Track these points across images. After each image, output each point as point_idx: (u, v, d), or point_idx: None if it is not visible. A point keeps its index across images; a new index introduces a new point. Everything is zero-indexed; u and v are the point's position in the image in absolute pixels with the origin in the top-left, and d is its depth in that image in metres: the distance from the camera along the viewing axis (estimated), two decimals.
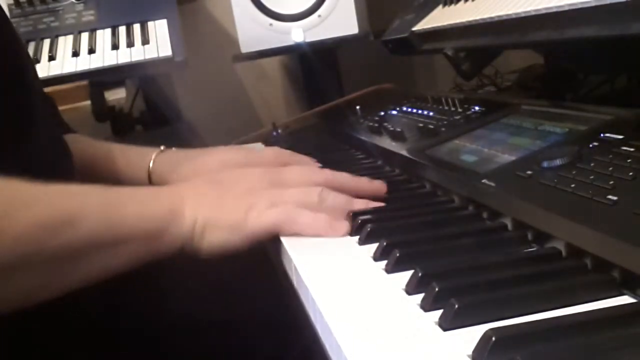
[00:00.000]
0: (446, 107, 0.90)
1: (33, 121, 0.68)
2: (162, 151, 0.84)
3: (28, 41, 1.35)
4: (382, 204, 0.65)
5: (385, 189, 0.68)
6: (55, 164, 0.72)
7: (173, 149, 0.86)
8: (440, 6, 0.97)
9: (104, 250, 0.56)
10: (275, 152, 0.81)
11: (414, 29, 1.01)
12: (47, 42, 1.36)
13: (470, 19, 0.82)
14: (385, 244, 0.51)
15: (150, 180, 0.82)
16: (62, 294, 0.55)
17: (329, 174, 0.68)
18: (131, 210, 0.59)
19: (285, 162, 0.78)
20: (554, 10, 0.64)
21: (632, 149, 0.51)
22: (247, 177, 0.67)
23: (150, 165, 0.82)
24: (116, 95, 1.60)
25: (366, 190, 0.67)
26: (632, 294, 0.40)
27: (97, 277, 0.57)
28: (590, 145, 0.55)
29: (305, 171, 0.69)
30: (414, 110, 0.97)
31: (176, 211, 0.60)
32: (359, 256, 0.53)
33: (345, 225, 0.60)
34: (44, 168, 0.67)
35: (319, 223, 0.60)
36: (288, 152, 0.81)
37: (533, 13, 0.67)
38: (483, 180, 0.59)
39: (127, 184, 0.81)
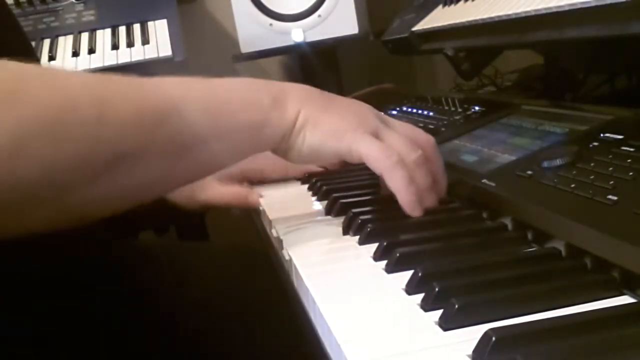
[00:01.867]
0: (446, 107, 0.90)
1: None
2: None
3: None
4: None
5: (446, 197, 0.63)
6: None
7: None
8: (440, 6, 0.97)
9: (208, 142, 0.55)
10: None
11: (414, 29, 1.01)
12: (47, 42, 1.36)
13: (470, 19, 0.82)
14: (385, 244, 0.51)
15: None
16: (178, 188, 0.54)
17: (432, 141, 0.63)
18: (235, 101, 0.57)
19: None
20: (554, 10, 0.64)
21: (632, 149, 0.51)
22: (357, 103, 0.63)
23: None
24: None
25: (443, 183, 0.63)
26: (632, 294, 0.40)
27: (206, 170, 0.57)
28: (590, 145, 0.55)
29: (412, 126, 0.65)
30: (414, 110, 0.97)
31: (279, 102, 0.58)
32: (359, 256, 0.53)
33: (421, 211, 0.58)
34: None
35: (409, 191, 0.57)
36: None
37: (533, 13, 0.67)
38: (483, 180, 0.59)
39: None
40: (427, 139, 0.63)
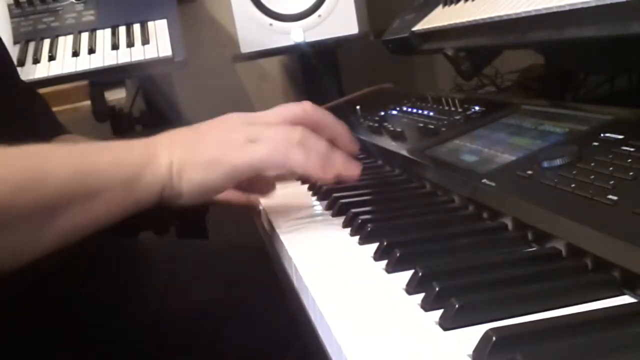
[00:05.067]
0: (446, 107, 0.90)
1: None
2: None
3: (28, 41, 1.35)
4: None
5: (359, 169, 0.63)
6: None
7: None
8: (440, 6, 0.97)
9: (79, 202, 0.55)
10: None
11: (414, 29, 1.01)
12: (47, 42, 1.35)
13: (470, 19, 0.82)
14: (385, 244, 0.51)
15: None
16: (46, 253, 0.54)
17: (307, 106, 0.63)
18: (104, 159, 0.57)
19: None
20: (554, 10, 0.64)
21: (632, 149, 0.51)
22: (223, 118, 0.64)
23: None
24: (116, 95, 1.59)
25: (344, 138, 0.63)
26: (632, 294, 0.40)
27: (78, 232, 0.56)
28: (591, 145, 0.55)
29: (283, 107, 0.65)
30: (414, 110, 0.97)
31: (150, 156, 0.58)
32: (359, 256, 0.53)
33: (335, 170, 0.58)
34: None
35: (310, 161, 0.57)
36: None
37: (533, 13, 0.67)
38: (483, 180, 0.59)
39: None
40: (301, 109, 0.62)
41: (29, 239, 0.53)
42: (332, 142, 0.62)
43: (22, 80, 0.87)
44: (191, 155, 0.59)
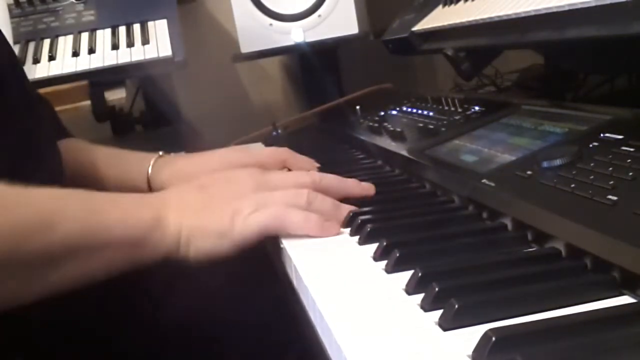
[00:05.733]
0: (446, 107, 0.90)
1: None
2: (160, 156, 0.83)
3: (28, 41, 1.35)
4: (369, 208, 0.64)
5: (373, 190, 0.68)
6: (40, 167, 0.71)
7: (172, 154, 0.85)
8: (440, 6, 0.97)
9: (83, 255, 0.55)
10: (273, 151, 0.81)
11: (414, 29, 1.01)
12: (47, 42, 1.35)
13: (470, 19, 0.82)
14: (385, 244, 0.51)
15: (150, 186, 0.81)
16: (44, 298, 0.53)
17: (316, 176, 0.67)
18: (113, 216, 0.58)
19: (284, 160, 0.77)
20: (554, 10, 0.64)
21: (632, 149, 0.51)
22: (232, 180, 0.66)
23: (149, 171, 0.81)
24: (116, 95, 1.59)
25: (354, 192, 0.67)
26: (632, 294, 0.40)
27: (77, 282, 0.56)
28: (590, 145, 0.55)
29: (291, 174, 0.69)
30: (414, 110, 0.97)
31: (160, 219, 0.59)
32: (359, 256, 0.53)
33: (335, 227, 0.59)
34: (22, 169, 0.66)
35: (309, 223, 0.59)
36: (286, 150, 0.80)
37: (533, 13, 0.67)
38: (483, 180, 0.59)
39: (126, 190, 0.80)
40: (306, 177, 0.66)
41: (29, 284, 0.53)
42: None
43: (30, 85, 0.87)
44: (200, 224, 0.59)
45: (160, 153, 0.84)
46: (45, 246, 0.52)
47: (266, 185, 0.65)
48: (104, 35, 1.37)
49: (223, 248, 0.60)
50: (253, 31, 1.43)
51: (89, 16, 1.41)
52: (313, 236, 0.59)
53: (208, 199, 0.63)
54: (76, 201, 0.57)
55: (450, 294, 0.39)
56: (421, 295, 0.42)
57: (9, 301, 0.53)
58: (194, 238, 0.59)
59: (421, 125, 0.82)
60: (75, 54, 1.32)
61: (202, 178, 0.68)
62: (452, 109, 0.87)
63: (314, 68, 1.51)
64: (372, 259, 0.52)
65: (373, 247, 0.53)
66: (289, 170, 0.79)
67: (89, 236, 0.55)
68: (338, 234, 0.59)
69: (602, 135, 0.56)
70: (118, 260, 0.57)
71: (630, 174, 0.47)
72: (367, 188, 0.68)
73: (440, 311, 0.39)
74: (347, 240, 0.58)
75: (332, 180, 0.67)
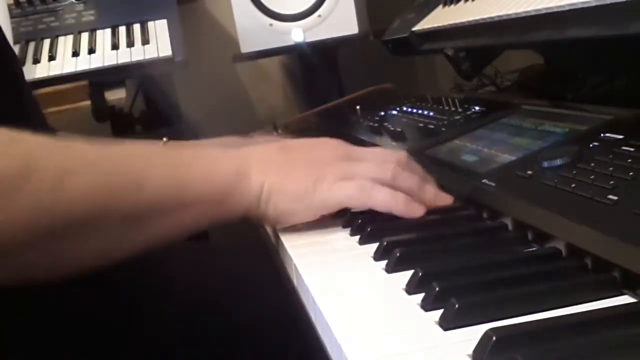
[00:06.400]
0: (446, 107, 0.90)
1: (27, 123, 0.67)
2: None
3: (28, 41, 1.35)
4: (450, 198, 0.62)
5: (450, 201, 0.63)
6: None
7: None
8: (440, 6, 0.98)
9: (169, 213, 0.55)
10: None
11: (414, 29, 1.01)
12: (47, 42, 1.35)
13: (470, 19, 0.82)
14: (385, 243, 0.51)
15: None
16: (126, 259, 0.54)
17: (402, 156, 0.64)
18: (197, 172, 0.57)
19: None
20: (554, 10, 0.64)
21: (632, 149, 0.51)
22: (317, 147, 0.64)
23: None
24: (116, 95, 1.60)
25: (431, 182, 0.63)
26: (632, 294, 0.40)
27: (164, 240, 0.56)
28: (590, 145, 0.55)
29: (378, 149, 0.66)
30: (414, 110, 0.97)
31: (243, 174, 0.58)
32: (359, 256, 0.53)
33: (421, 208, 0.58)
34: None
35: (397, 201, 0.58)
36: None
37: (533, 13, 0.67)
38: (483, 180, 0.59)
39: None
40: (397, 155, 0.63)
41: (114, 245, 0.53)
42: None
43: (25, 82, 0.87)
44: (283, 183, 0.59)
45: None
46: (133, 205, 0.53)
47: (351, 156, 0.63)
48: (104, 35, 1.37)
49: (301, 210, 0.59)
50: (253, 31, 1.43)
51: (89, 16, 1.41)
52: (398, 215, 0.58)
53: (291, 160, 0.61)
54: (161, 158, 0.57)
55: (451, 293, 0.39)
56: (421, 295, 0.42)
57: (100, 260, 0.53)
58: (274, 196, 0.58)
59: (421, 125, 0.82)
60: (75, 54, 1.32)
61: (284, 141, 0.66)
62: (452, 109, 0.87)
63: (314, 68, 1.51)
64: (372, 259, 0.52)
65: (373, 246, 0.53)
66: None
67: (176, 194, 0.55)
68: (423, 215, 0.58)
69: (602, 135, 0.56)
70: (203, 216, 0.57)
71: (631, 174, 0.47)
72: (444, 199, 0.63)
73: (441, 311, 0.39)
74: (347, 239, 0.58)
75: (418, 166, 0.64)
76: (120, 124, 1.53)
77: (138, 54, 1.32)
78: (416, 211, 0.58)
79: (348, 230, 0.59)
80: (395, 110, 1.03)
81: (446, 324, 0.38)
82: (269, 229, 0.67)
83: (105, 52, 1.33)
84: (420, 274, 0.44)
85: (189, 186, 0.56)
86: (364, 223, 0.57)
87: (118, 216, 0.52)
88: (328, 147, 0.64)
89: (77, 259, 0.52)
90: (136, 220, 0.54)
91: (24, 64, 1.29)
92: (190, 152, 0.60)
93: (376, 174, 0.59)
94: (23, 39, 1.35)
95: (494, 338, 0.33)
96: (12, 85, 0.72)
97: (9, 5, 1.38)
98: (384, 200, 0.58)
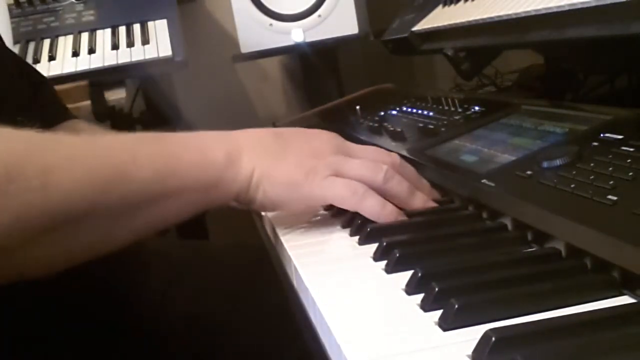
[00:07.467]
0: (446, 107, 0.90)
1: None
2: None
3: (28, 41, 1.35)
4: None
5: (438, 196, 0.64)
6: None
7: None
8: (440, 6, 0.98)
9: (158, 202, 0.55)
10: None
11: (414, 29, 1.01)
12: (47, 42, 1.36)
13: (470, 19, 0.82)
14: (385, 244, 0.51)
15: None
16: (115, 251, 0.54)
17: (396, 158, 0.63)
18: (187, 159, 0.57)
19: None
20: (554, 10, 0.64)
21: (632, 149, 0.51)
22: (311, 137, 0.63)
23: None
24: (116, 95, 1.60)
25: (425, 192, 0.64)
26: (632, 294, 0.40)
27: (157, 227, 0.56)
28: (590, 145, 0.55)
29: (373, 148, 0.65)
30: (414, 110, 0.97)
31: (233, 159, 0.58)
32: (359, 256, 0.53)
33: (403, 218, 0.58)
34: None
35: (386, 211, 0.57)
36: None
37: (533, 13, 0.67)
38: (483, 180, 0.59)
39: None
40: (390, 157, 0.63)
41: (104, 237, 0.53)
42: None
43: (31, 67, 0.87)
44: (274, 170, 0.58)
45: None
46: (123, 196, 0.52)
47: (345, 150, 0.62)
48: (104, 35, 1.37)
49: (289, 199, 0.59)
50: (253, 31, 1.43)
51: (89, 16, 1.41)
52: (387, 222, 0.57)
53: (284, 148, 0.60)
54: (148, 147, 0.57)
55: (450, 294, 0.39)
56: (421, 296, 0.42)
57: (95, 252, 0.53)
58: (264, 182, 0.58)
59: (421, 125, 0.81)
60: (75, 54, 1.33)
61: (278, 128, 0.65)
62: (452, 109, 0.87)
63: (314, 68, 1.51)
64: (372, 259, 0.52)
65: (373, 247, 0.53)
66: None
67: (165, 182, 0.55)
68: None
69: (602, 135, 0.56)
70: (192, 202, 0.57)
71: (630, 174, 0.47)
72: (435, 196, 0.64)
73: (440, 311, 0.39)
74: (347, 240, 0.58)
75: (411, 169, 0.64)
76: (120, 124, 1.53)
77: (138, 54, 1.32)
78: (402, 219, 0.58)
79: (348, 231, 0.59)
80: (395, 110, 1.03)
81: (446, 324, 0.38)
82: (268, 230, 0.67)
83: (105, 52, 1.33)
84: (419, 274, 0.44)
85: (178, 175, 0.56)
86: (364, 223, 0.57)
87: (107, 209, 0.52)
88: (322, 138, 0.63)
89: (67, 254, 0.52)
90: (126, 211, 0.53)
91: None
92: (179, 140, 0.59)
93: (368, 173, 0.59)
94: (23, 39, 1.35)
95: (494, 338, 0.33)
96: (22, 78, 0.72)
97: (9, 5, 1.38)
98: (373, 208, 0.58)
